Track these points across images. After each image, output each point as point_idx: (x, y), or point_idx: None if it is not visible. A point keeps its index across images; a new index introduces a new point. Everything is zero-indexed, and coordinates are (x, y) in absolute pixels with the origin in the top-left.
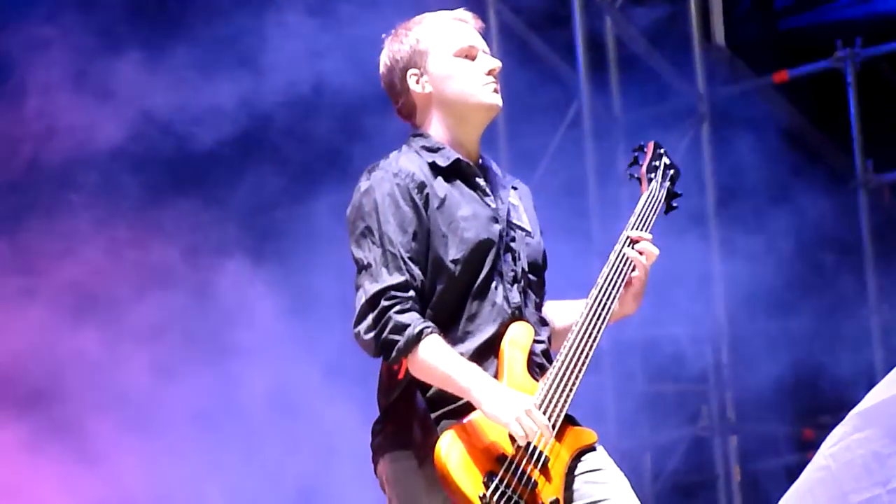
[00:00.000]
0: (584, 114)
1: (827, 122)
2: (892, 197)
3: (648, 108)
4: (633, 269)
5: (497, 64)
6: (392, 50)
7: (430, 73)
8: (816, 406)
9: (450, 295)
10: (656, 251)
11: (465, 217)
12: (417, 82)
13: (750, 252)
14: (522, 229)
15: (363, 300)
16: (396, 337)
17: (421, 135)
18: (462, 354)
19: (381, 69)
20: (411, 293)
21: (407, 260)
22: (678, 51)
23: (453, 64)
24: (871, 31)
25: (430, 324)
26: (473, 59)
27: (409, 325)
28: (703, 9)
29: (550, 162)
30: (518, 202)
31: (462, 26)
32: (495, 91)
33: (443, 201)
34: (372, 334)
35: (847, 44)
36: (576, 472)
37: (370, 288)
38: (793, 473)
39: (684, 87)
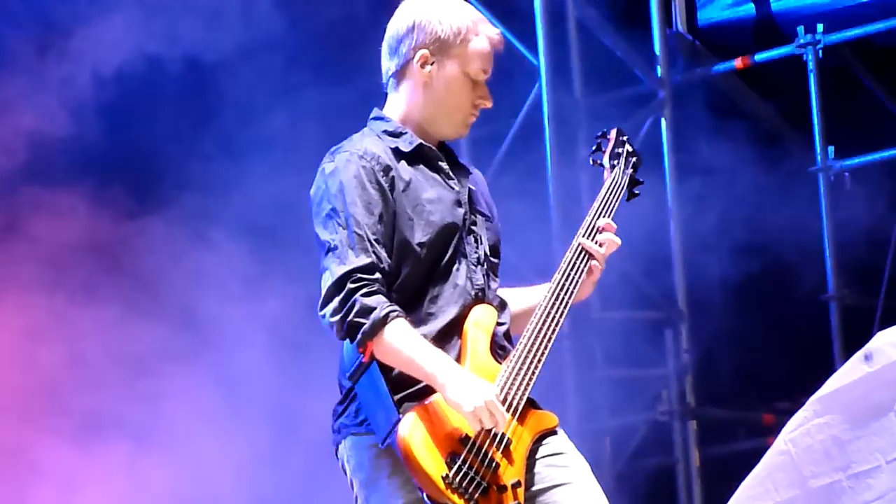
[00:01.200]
0: (545, 98)
1: (788, 109)
2: (853, 184)
3: (609, 92)
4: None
5: (488, 104)
6: (427, 17)
7: (438, 69)
8: (776, 391)
9: (414, 277)
10: (618, 241)
11: (431, 200)
12: (423, 66)
13: (709, 238)
14: (483, 213)
15: (329, 282)
16: (362, 320)
17: (381, 118)
18: (425, 335)
19: (406, 20)
20: (377, 275)
21: (373, 241)
22: (640, 36)
23: (459, 81)
24: (833, 17)
25: (396, 307)
26: (477, 84)
27: (375, 308)
28: None
29: (510, 146)
30: (476, 187)
31: (492, 48)
32: (469, 124)
33: (408, 184)
34: (338, 317)
35: (809, 30)
36: (537, 456)
37: (336, 270)
38: (752, 459)
39: (645, 72)
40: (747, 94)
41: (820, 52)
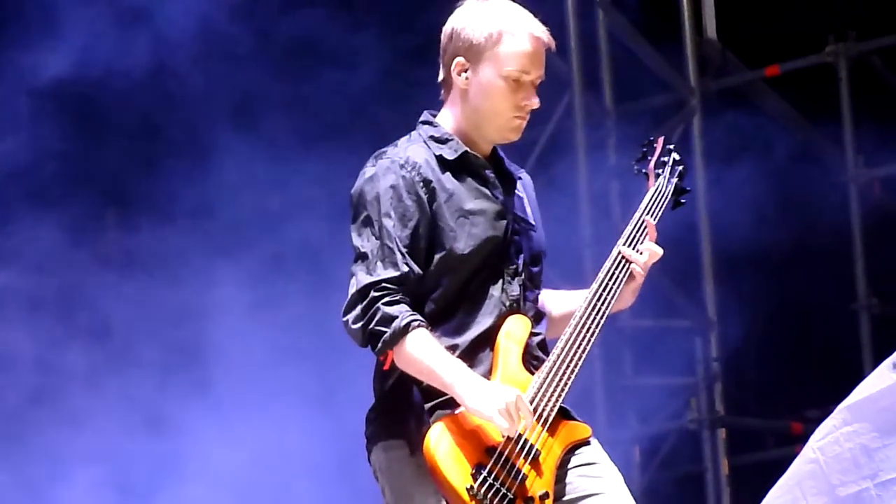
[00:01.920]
0: (576, 106)
1: (818, 117)
2: (882, 191)
3: (640, 101)
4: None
5: (535, 105)
6: (463, 23)
7: (474, 75)
8: (804, 400)
9: (452, 287)
10: (660, 251)
11: (473, 212)
12: (459, 74)
13: (739, 244)
14: (527, 222)
15: (354, 290)
16: (383, 328)
17: (430, 123)
18: (458, 346)
19: (447, 28)
20: (403, 287)
21: (405, 254)
22: (670, 44)
23: (497, 84)
24: (863, 25)
25: (417, 316)
26: (520, 85)
27: (396, 318)
28: (695, 2)
29: (541, 154)
30: (523, 193)
31: (532, 47)
32: (519, 127)
33: (451, 195)
34: (360, 324)
35: (840, 38)
36: (569, 466)
37: (363, 279)
38: (781, 467)
39: (676, 80)
40: (777, 102)
41: (850, 59)
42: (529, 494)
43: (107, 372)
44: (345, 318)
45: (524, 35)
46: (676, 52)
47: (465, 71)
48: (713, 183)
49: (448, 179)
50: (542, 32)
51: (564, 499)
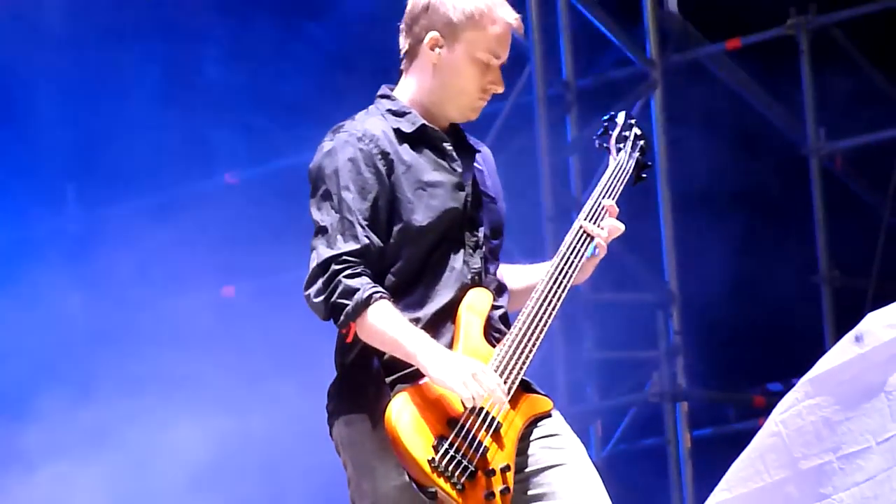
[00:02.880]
0: (536, 80)
1: (780, 90)
2: (844, 164)
3: (600, 74)
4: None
5: (500, 90)
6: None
7: (447, 52)
8: (767, 373)
9: (412, 259)
10: (621, 227)
11: (431, 183)
12: (432, 48)
13: (702, 220)
14: (487, 195)
15: (315, 263)
16: (345, 301)
17: (388, 96)
18: (420, 318)
19: (424, 1)
20: (364, 259)
21: (364, 227)
22: (631, 17)
23: (469, 64)
24: None
25: (379, 288)
26: (489, 68)
27: (358, 290)
28: None
29: (502, 127)
30: (483, 167)
31: (506, 32)
32: (479, 108)
33: (409, 167)
34: (322, 297)
35: (801, 11)
36: (531, 438)
37: (323, 252)
38: (743, 440)
39: (637, 53)
40: (739, 75)
41: (811, 31)
42: (491, 467)
43: None
44: (307, 292)
45: (501, 19)
46: (637, 26)
47: (440, 46)
48: (674, 156)
49: (406, 151)
50: (515, 18)
51: (526, 470)
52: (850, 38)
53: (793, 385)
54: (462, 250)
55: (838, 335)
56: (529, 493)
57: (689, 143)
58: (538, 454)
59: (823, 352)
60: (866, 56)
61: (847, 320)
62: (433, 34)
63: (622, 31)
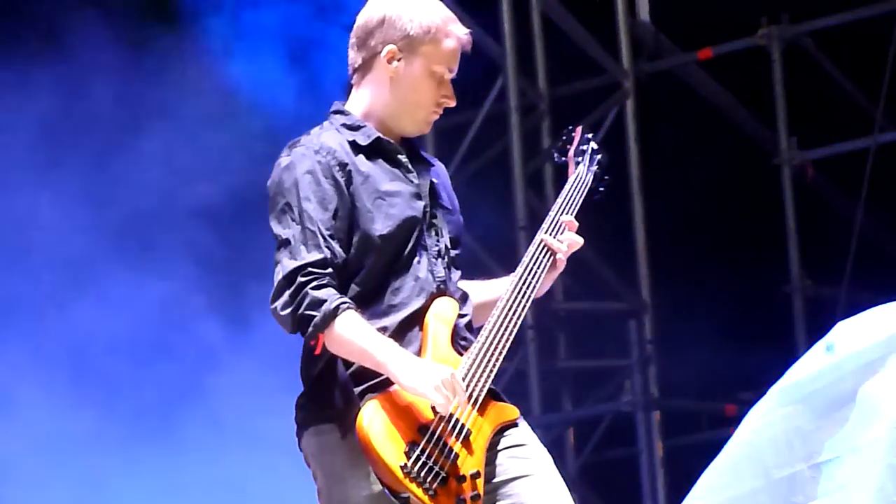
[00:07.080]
0: (509, 89)
1: (752, 99)
2: (815, 173)
3: (573, 84)
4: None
5: (452, 103)
6: (398, 13)
7: (405, 65)
8: (738, 382)
9: (375, 270)
10: (580, 241)
11: (389, 193)
12: (389, 61)
13: (673, 228)
14: (443, 206)
15: (280, 276)
16: (313, 312)
17: (341, 112)
18: (386, 328)
19: (377, 13)
20: (329, 270)
21: (327, 237)
22: (603, 27)
23: (424, 78)
24: (796, 7)
25: (346, 299)
26: (443, 82)
27: (325, 301)
28: None
29: (475, 137)
30: (437, 179)
31: (458, 47)
32: (432, 122)
33: (366, 177)
34: (289, 310)
35: (772, 21)
36: (498, 448)
37: (288, 264)
38: (715, 449)
39: (609, 63)
40: (711, 84)
41: (783, 41)
42: (461, 473)
43: None
44: (273, 306)
45: (454, 34)
46: (610, 35)
47: (397, 60)
48: (646, 165)
49: (362, 162)
50: (466, 33)
51: (494, 480)
52: (821, 48)
53: (764, 394)
54: (426, 259)
55: (810, 344)
56: (498, 503)
57: (662, 152)
58: (505, 464)
59: (795, 361)
60: (838, 66)
61: (818, 329)
62: (391, 47)
63: (595, 40)
